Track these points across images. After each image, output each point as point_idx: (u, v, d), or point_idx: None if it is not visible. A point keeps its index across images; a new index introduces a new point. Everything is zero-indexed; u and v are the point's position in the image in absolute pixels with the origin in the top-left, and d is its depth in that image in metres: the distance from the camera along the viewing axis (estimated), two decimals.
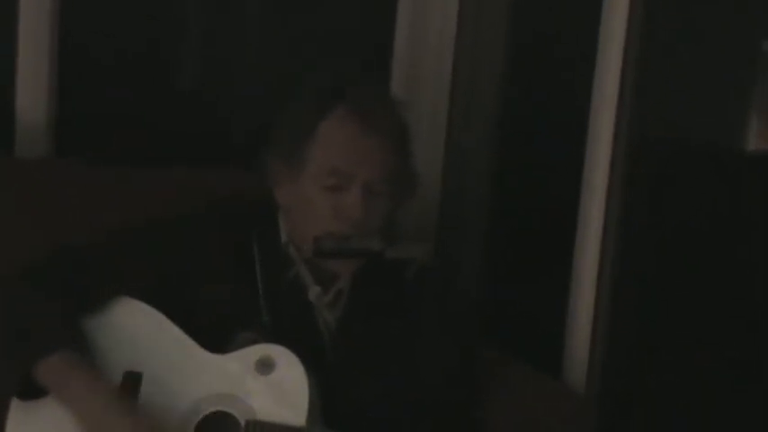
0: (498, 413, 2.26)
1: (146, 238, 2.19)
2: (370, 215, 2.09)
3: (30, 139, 2.77)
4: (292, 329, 2.11)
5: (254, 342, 2.09)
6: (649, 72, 2.61)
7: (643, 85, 2.59)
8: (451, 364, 2.20)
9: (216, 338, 2.11)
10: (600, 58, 2.60)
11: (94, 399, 2.02)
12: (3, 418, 2.13)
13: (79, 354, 2.06)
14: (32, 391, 2.08)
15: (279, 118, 2.17)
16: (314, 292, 2.17)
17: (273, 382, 2.05)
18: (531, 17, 2.92)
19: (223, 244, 2.17)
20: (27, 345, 2.05)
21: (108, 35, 2.89)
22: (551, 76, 2.86)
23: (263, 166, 2.16)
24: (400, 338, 2.18)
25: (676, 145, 2.69)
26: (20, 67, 2.76)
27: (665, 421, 2.66)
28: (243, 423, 2.03)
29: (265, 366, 2.06)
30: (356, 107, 2.09)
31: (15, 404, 2.12)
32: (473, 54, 2.90)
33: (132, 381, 2.10)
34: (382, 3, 2.90)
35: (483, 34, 2.90)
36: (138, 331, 2.13)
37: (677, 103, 2.65)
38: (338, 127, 2.09)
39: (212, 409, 2.07)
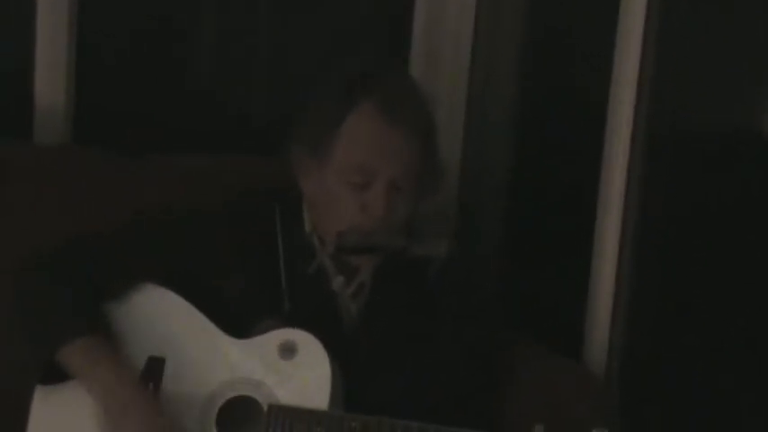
0: (519, 397, 2.26)
1: (166, 224, 2.19)
2: (393, 211, 2.08)
3: (48, 125, 2.77)
4: (314, 318, 2.11)
5: (277, 327, 2.09)
6: (668, 60, 2.60)
7: (662, 73, 2.58)
8: (473, 355, 2.20)
9: (238, 325, 2.12)
10: (619, 45, 2.59)
11: (116, 384, 2.03)
12: (28, 402, 2.14)
13: (100, 339, 2.06)
14: (55, 375, 2.10)
15: (305, 106, 2.16)
16: (337, 281, 2.17)
17: (296, 366, 2.05)
18: (549, 4, 2.92)
19: (247, 232, 2.17)
20: (50, 330, 2.07)
21: (126, 22, 2.89)
22: (570, 65, 2.85)
23: (288, 155, 2.15)
24: (422, 329, 2.18)
25: (696, 131, 2.68)
26: (38, 54, 2.77)
27: (686, 403, 2.66)
28: (265, 407, 2.04)
29: (288, 351, 2.06)
30: (383, 102, 2.07)
31: (39, 389, 2.14)
32: (491, 44, 2.89)
33: (155, 366, 2.11)
34: None
35: (501, 23, 2.89)
36: (162, 317, 2.14)
37: (696, 90, 2.65)
38: (365, 122, 2.08)
39: (235, 393, 2.07)
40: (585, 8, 2.80)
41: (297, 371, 2.05)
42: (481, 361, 2.20)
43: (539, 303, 2.79)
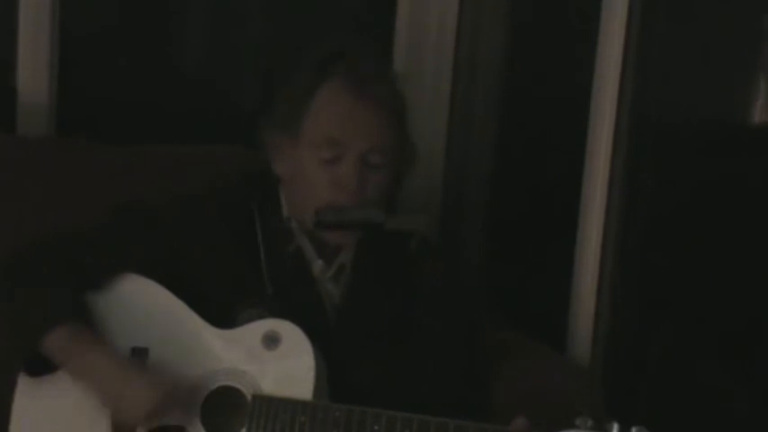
0: (503, 386, 2.26)
1: (147, 215, 2.19)
2: (366, 186, 2.09)
3: (31, 117, 2.77)
4: (296, 304, 2.11)
5: (260, 318, 2.09)
6: (652, 48, 2.60)
7: (645, 61, 2.59)
8: (456, 334, 2.20)
9: (221, 314, 2.11)
10: (602, 33, 2.59)
11: (107, 365, 2.03)
12: (11, 393, 2.14)
13: (85, 326, 2.06)
14: (40, 368, 2.10)
15: (275, 88, 2.18)
16: (317, 266, 2.17)
17: (280, 356, 2.05)
18: None
19: (225, 219, 2.17)
20: (33, 320, 2.06)
21: (109, 13, 2.89)
22: (554, 52, 2.86)
23: (262, 138, 2.16)
24: (404, 310, 2.19)
25: (680, 120, 2.69)
26: (21, 45, 2.76)
27: (670, 393, 2.67)
28: (249, 397, 2.04)
29: (271, 341, 2.06)
30: (351, 78, 2.09)
31: (22, 380, 2.13)
32: (476, 29, 2.90)
33: (139, 356, 2.10)
34: None
35: (484, 15, 2.89)
36: (145, 307, 2.13)
37: (680, 78, 2.65)
38: (333, 97, 2.09)
39: (219, 383, 2.07)
40: (568, 1, 2.81)
41: (280, 361, 2.05)
42: (465, 343, 2.20)
43: (523, 294, 2.80)
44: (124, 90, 2.87)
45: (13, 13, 2.74)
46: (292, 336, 2.05)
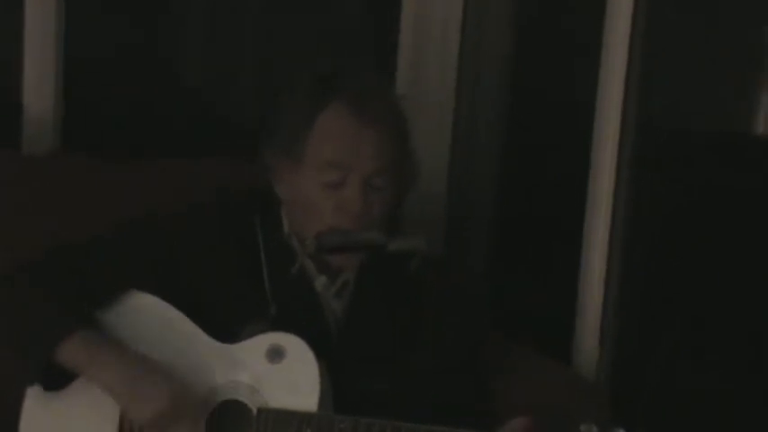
0: (508, 400, 2.25)
1: (150, 231, 2.19)
2: (370, 209, 2.08)
3: (36, 134, 2.78)
4: (299, 319, 2.11)
5: (264, 332, 2.09)
6: (657, 57, 2.61)
7: (650, 70, 2.59)
8: (459, 348, 2.20)
9: (225, 329, 2.11)
10: (606, 43, 2.60)
11: (125, 365, 2.02)
12: (19, 406, 2.14)
13: (96, 332, 2.06)
14: (54, 382, 2.09)
15: (276, 110, 2.17)
16: (320, 281, 2.17)
17: (284, 369, 2.05)
18: (537, 3, 2.93)
19: (228, 235, 2.17)
20: (43, 331, 2.05)
21: (112, 31, 2.90)
22: (558, 64, 2.87)
23: (263, 161, 2.16)
24: (407, 327, 2.18)
25: (684, 129, 2.69)
26: (26, 63, 2.78)
27: (677, 407, 2.67)
28: (255, 411, 2.04)
29: (276, 354, 2.06)
30: (352, 100, 2.08)
31: (31, 393, 2.13)
32: (479, 44, 2.90)
33: None
34: None
35: (489, 22, 2.90)
36: (148, 323, 2.13)
37: (685, 87, 2.66)
38: (334, 120, 2.08)
39: (224, 397, 2.07)
40: (572, 6, 2.81)
41: (285, 374, 2.05)
42: (468, 357, 2.20)
43: (528, 306, 2.80)
44: (129, 106, 2.88)
45: (18, 30, 2.76)
46: (296, 349, 2.05)
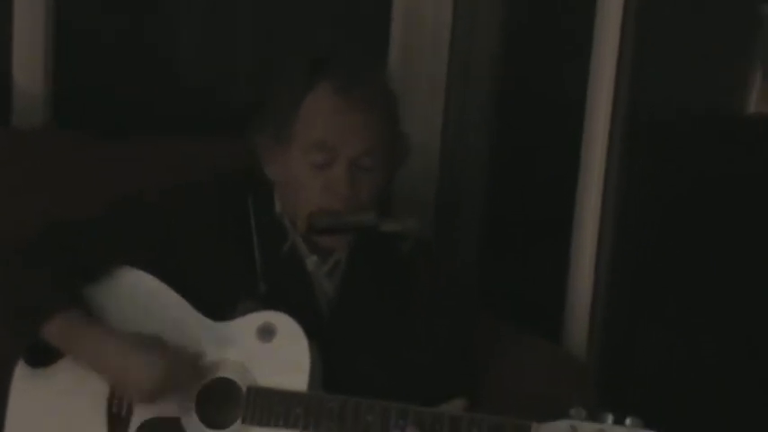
0: (499, 380, 2.26)
1: (143, 208, 2.19)
2: (358, 190, 2.09)
3: (27, 109, 2.76)
4: (290, 298, 2.11)
5: (255, 310, 2.09)
6: (647, 39, 2.61)
7: (641, 51, 2.59)
8: (450, 332, 2.20)
9: (216, 307, 2.11)
10: (598, 23, 2.61)
11: (112, 341, 2.03)
12: (8, 382, 2.14)
13: (84, 311, 2.07)
14: (41, 359, 2.10)
15: (266, 91, 2.17)
16: (311, 261, 2.17)
17: (275, 348, 2.05)
18: None
19: (220, 213, 2.17)
20: (32, 307, 2.06)
21: (105, 4, 2.88)
22: (549, 46, 2.86)
23: (253, 142, 2.16)
24: (398, 307, 2.18)
25: (676, 109, 2.69)
26: (16, 37, 2.76)
27: (666, 387, 2.68)
28: (244, 389, 2.04)
29: (266, 333, 2.06)
30: (340, 82, 2.08)
31: (20, 369, 2.14)
32: (470, 28, 2.90)
33: None
34: None
35: (479, 9, 2.89)
36: (140, 300, 2.13)
37: (676, 68, 2.66)
38: (322, 102, 2.08)
39: (214, 375, 2.07)
40: None
41: (275, 353, 2.05)
42: (459, 338, 2.21)
43: (519, 288, 2.80)
44: (120, 82, 2.86)
45: (8, 5, 2.74)
46: (287, 328, 2.05)
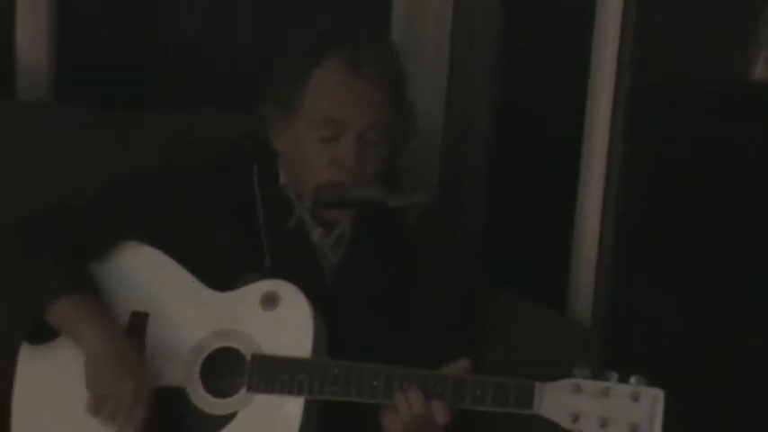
0: (505, 349, 2.26)
1: (146, 181, 2.20)
2: (365, 163, 2.08)
3: (31, 82, 2.76)
4: (295, 270, 2.11)
5: (259, 280, 2.09)
6: (650, 10, 2.60)
7: (644, 19, 2.58)
8: (453, 302, 2.20)
9: (220, 278, 2.12)
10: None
11: (100, 337, 2.04)
12: (14, 360, 2.15)
13: (89, 295, 2.07)
14: (42, 335, 2.11)
15: (274, 64, 2.17)
16: (316, 233, 2.17)
17: (278, 316, 2.05)
18: None
19: (224, 185, 2.17)
20: (37, 288, 2.07)
21: None
22: (552, 15, 2.86)
23: (261, 113, 2.15)
24: (402, 277, 2.18)
25: (679, 77, 2.69)
26: (19, 10, 2.75)
27: (672, 354, 2.68)
28: (249, 357, 2.04)
29: (270, 301, 2.06)
30: (348, 56, 2.07)
31: (25, 347, 2.14)
32: (473, 3, 2.89)
33: (139, 321, 2.12)
34: None
35: None
36: (144, 272, 2.14)
37: (679, 35, 2.65)
38: (330, 76, 2.07)
39: (218, 344, 2.08)
40: None
41: (279, 321, 2.05)
42: (463, 307, 2.20)
43: (524, 256, 2.80)
44: (123, 55, 2.86)
45: None
46: (291, 296, 2.06)
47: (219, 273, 2.12)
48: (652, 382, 1.78)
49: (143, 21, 2.89)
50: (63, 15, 2.80)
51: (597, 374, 1.80)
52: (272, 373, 2.02)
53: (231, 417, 2.04)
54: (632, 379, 1.79)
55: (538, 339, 2.32)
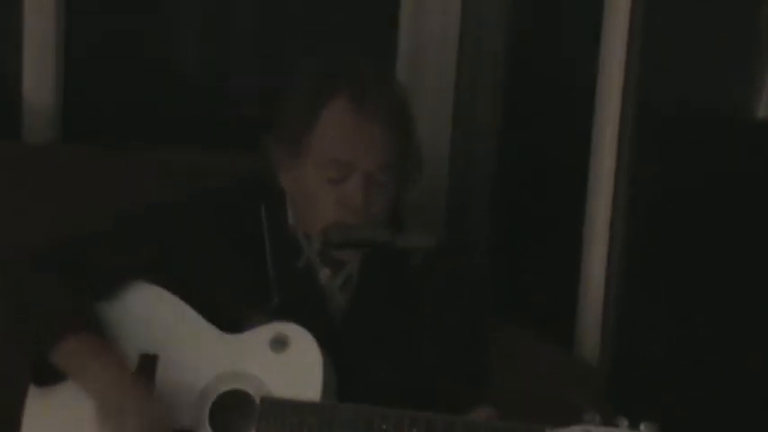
0: (511, 386, 2.26)
1: (154, 221, 2.19)
2: (372, 204, 2.08)
3: (37, 124, 2.78)
4: (303, 311, 2.11)
5: (268, 322, 2.09)
6: (656, 37, 2.61)
7: (650, 50, 2.59)
8: (461, 341, 2.20)
9: (228, 319, 2.11)
10: (606, 23, 2.61)
11: (112, 382, 2.03)
12: (21, 402, 2.14)
13: (97, 337, 2.07)
14: (48, 376, 2.10)
15: (280, 103, 2.17)
16: (324, 274, 2.17)
17: (288, 359, 2.05)
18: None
19: (232, 225, 2.17)
20: (44, 329, 2.07)
21: (113, 20, 2.89)
22: (557, 46, 2.87)
23: (268, 152, 2.15)
24: (411, 319, 2.18)
25: (685, 111, 2.69)
26: (26, 52, 2.78)
27: (677, 393, 2.67)
28: (258, 400, 2.04)
29: (280, 344, 2.06)
30: (355, 97, 2.07)
31: (32, 390, 2.14)
32: (477, 33, 2.90)
33: (148, 363, 2.11)
34: None
35: (487, 8, 2.90)
36: (153, 314, 2.14)
37: (686, 68, 2.65)
38: (338, 117, 2.08)
39: (227, 387, 2.07)
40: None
41: (288, 363, 2.05)
42: (471, 348, 2.20)
43: (530, 292, 2.80)
44: (129, 97, 2.88)
45: (18, 20, 2.75)
46: (300, 338, 2.05)
47: (227, 313, 2.12)
48: (663, 428, 1.77)
49: (148, 63, 2.91)
50: (69, 58, 2.82)
51: (607, 421, 1.80)
52: (282, 416, 2.01)
53: None
54: (642, 426, 1.78)
55: (544, 378, 2.32)
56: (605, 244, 2.65)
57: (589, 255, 2.67)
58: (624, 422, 1.79)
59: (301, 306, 2.13)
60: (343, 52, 2.25)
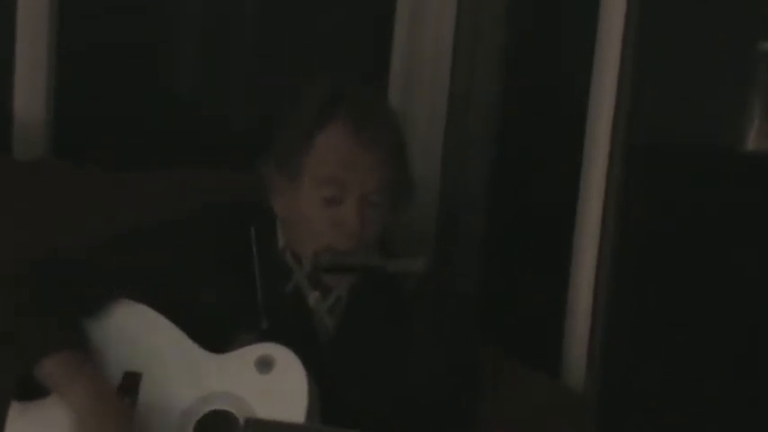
0: (498, 413, 2.26)
1: (143, 240, 2.19)
2: (367, 227, 2.09)
3: (27, 140, 2.77)
4: (291, 334, 2.10)
5: (254, 342, 2.09)
6: (647, 71, 2.62)
7: (640, 84, 2.60)
8: (450, 368, 2.20)
9: (215, 340, 2.11)
10: (597, 57, 2.62)
11: (93, 398, 2.02)
12: (3, 418, 2.12)
13: (81, 353, 2.06)
14: (31, 392, 2.09)
15: (276, 128, 2.17)
16: (313, 297, 2.17)
17: (273, 380, 2.05)
18: (528, 14, 2.93)
19: (221, 247, 2.17)
20: (28, 344, 2.06)
21: (106, 35, 2.89)
22: (548, 79, 2.87)
23: (262, 177, 2.16)
24: (398, 343, 2.18)
25: (674, 145, 2.70)
26: (18, 67, 2.77)
27: (665, 421, 2.67)
28: (242, 421, 2.03)
29: (265, 365, 2.06)
30: (351, 120, 2.09)
31: (14, 405, 2.12)
32: (470, 59, 2.90)
33: (132, 380, 2.10)
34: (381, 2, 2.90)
35: (481, 31, 2.90)
36: (138, 332, 2.13)
37: (675, 102, 2.67)
38: (334, 141, 2.09)
39: (212, 407, 2.06)
40: (565, 15, 2.82)
41: (274, 384, 2.04)
42: (459, 374, 2.20)
43: (517, 321, 2.80)
44: (121, 114, 2.87)
45: (10, 36, 2.75)
46: (286, 360, 2.05)
47: (214, 334, 2.11)
48: None
49: (141, 80, 2.91)
50: (60, 73, 2.81)
51: None
52: None
53: None
54: None
55: (530, 406, 2.32)
56: (593, 273, 2.66)
57: (576, 283, 2.67)
58: None
59: (289, 328, 2.13)
60: (340, 77, 2.24)
